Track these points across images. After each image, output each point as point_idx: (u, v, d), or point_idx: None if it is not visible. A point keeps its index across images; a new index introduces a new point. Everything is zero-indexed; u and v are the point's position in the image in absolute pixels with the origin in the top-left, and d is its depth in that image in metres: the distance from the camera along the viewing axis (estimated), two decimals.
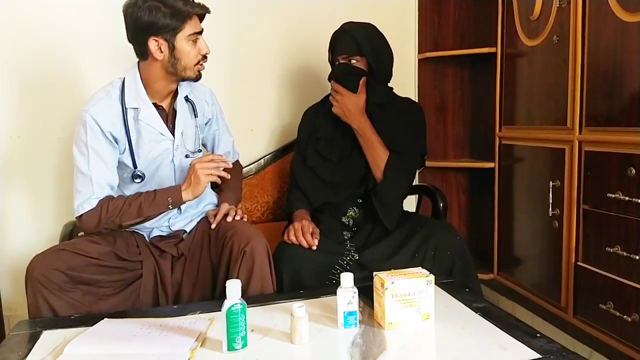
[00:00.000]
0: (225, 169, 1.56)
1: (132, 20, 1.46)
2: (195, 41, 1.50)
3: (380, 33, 1.82)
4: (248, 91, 2.23)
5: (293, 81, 2.28)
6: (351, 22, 1.81)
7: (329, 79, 1.82)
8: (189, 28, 1.48)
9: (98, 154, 1.48)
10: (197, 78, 1.57)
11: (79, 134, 1.49)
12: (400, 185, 1.77)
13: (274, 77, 2.26)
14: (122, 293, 1.50)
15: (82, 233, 1.60)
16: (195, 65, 1.53)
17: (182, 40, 1.48)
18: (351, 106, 1.75)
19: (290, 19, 2.24)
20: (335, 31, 1.81)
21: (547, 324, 1.86)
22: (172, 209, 1.53)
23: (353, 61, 1.76)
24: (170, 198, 1.50)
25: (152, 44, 1.47)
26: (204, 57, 1.54)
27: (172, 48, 1.48)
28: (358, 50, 1.74)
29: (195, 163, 1.50)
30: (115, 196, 1.53)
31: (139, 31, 1.47)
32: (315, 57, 2.13)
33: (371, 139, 1.75)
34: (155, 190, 1.53)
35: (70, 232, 1.65)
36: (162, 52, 1.48)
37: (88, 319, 1.28)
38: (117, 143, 1.53)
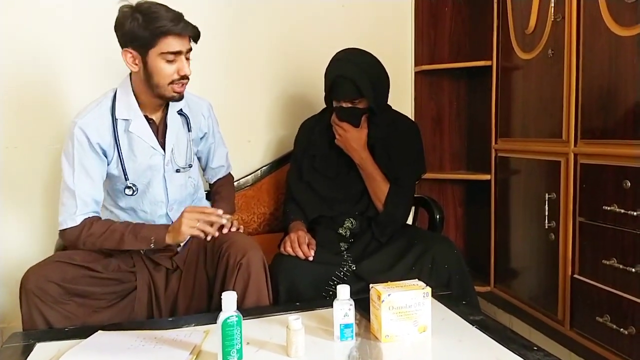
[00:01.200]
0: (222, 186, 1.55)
1: (116, 25, 1.43)
2: (171, 61, 1.43)
3: (376, 63, 1.79)
4: (245, 103, 2.23)
5: (289, 94, 2.29)
6: (345, 57, 1.76)
7: (330, 111, 1.82)
8: (164, 46, 1.40)
9: (84, 169, 1.46)
10: (177, 98, 1.49)
11: (67, 146, 1.47)
12: (399, 215, 1.81)
13: (271, 90, 2.27)
14: (117, 305, 1.48)
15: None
16: (169, 85, 1.45)
17: (153, 58, 1.42)
18: (354, 141, 1.77)
19: (286, 32, 2.25)
20: (332, 72, 1.76)
21: (544, 336, 1.85)
22: (153, 247, 1.46)
23: (355, 102, 1.76)
24: (153, 237, 1.44)
25: (126, 55, 1.44)
26: (183, 77, 1.46)
27: (144, 63, 1.43)
28: (359, 94, 1.73)
29: (186, 211, 1.44)
30: (100, 213, 1.51)
31: (119, 39, 1.44)
32: (311, 70, 2.14)
33: (372, 173, 1.78)
34: (143, 224, 1.50)
35: None
36: (137, 64, 1.45)
37: (82, 331, 1.27)
38: (105, 155, 1.50)
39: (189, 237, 1.47)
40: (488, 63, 2.19)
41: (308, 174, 1.85)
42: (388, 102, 1.92)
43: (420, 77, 2.44)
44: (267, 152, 2.27)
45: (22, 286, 1.34)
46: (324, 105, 1.91)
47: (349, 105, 1.76)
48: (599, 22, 1.57)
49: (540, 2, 1.84)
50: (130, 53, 1.43)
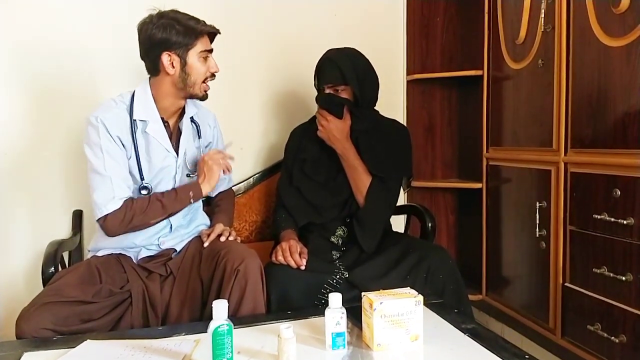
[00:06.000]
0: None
1: (146, 37, 1.52)
2: (205, 59, 1.57)
3: (365, 59, 1.83)
4: (237, 111, 2.23)
5: (281, 102, 2.29)
6: (335, 49, 1.82)
7: (317, 103, 1.84)
8: (200, 45, 1.55)
9: (112, 156, 1.51)
10: (204, 97, 1.62)
11: (90, 137, 1.51)
12: (381, 210, 1.79)
13: (263, 98, 2.27)
14: (111, 314, 1.44)
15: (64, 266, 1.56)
16: (202, 83, 1.59)
17: (193, 57, 1.55)
18: (336, 131, 1.78)
19: (279, 41, 2.26)
20: (321, 59, 1.82)
21: (536, 345, 1.85)
22: (193, 202, 1.60)
23: (338, 89, 1.78)
24: (191, 192, 1.57)
25: (165, 58, 1.53)
26: (212, 75, 1.61)
27: (183, 63, 1.54)
28: (343, 80, 1.76)
29: (207, 159, 1.60)
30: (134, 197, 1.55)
31: (152, 47, 1.53)
32: (303, 79, 2.15)
33: (354, 164, 1.77)
34: (174, 188, 1.59)
35: (55, 252, 1.61)
36: (173, 67, 1.54)
37: (70, 340, 1.25)
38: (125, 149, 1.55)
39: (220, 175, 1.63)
40: (479, 72, 2.21)
41: (298, 179, 1.85)
42: (379, 109, 1.93)
43: (412, 86, 2.45)
44: (258, 160, 2.26)
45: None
46: (315, 112, 1.91)
47: (332, 91, 1.78)
48: (589, 33, 1.59)
49: (531, 12, 1.87)
50: (169, 56, 1.53)
